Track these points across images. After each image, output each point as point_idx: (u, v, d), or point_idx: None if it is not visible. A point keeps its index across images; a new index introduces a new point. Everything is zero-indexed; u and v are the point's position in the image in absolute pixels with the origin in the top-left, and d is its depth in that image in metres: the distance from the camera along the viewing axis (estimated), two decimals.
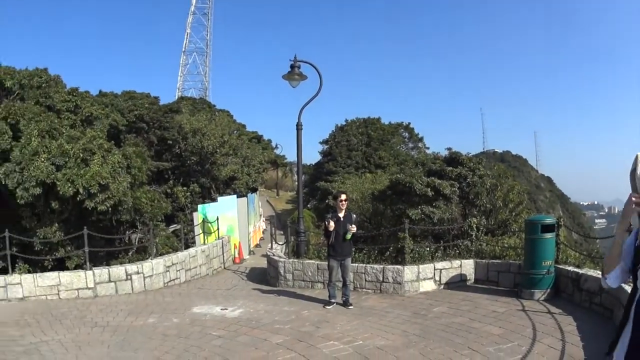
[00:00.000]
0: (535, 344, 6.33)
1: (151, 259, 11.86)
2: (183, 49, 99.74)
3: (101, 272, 10.51)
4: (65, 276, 10.17)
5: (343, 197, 9.17)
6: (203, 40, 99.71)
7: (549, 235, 8.65)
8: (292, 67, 11.85)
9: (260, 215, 29.14)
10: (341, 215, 8.97)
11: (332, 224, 8.72)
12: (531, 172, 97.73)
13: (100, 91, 33.80)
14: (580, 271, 8.30)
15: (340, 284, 9.22)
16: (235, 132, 37.85)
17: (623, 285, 6.70)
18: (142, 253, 18.13)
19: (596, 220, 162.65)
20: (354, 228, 8.82)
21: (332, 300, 9.07)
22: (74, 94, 20.64)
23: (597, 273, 8.09)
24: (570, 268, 8.68)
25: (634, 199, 2.28)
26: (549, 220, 8.93)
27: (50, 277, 10.05)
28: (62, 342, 6.86)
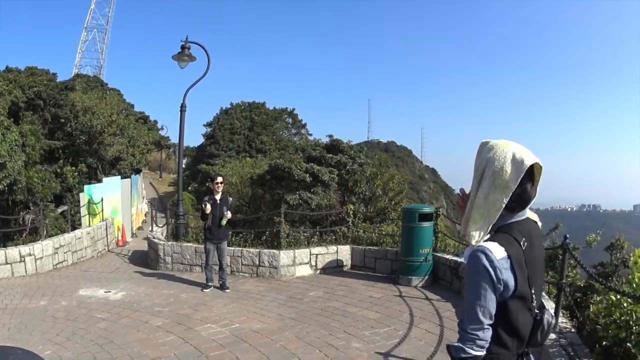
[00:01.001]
0: (412, 328, 6.32)
1: (41, 241, 11.42)
2: (85, 25, 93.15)
3: None
4: None
5: (219, 179, 9.08)
6: (105, 17, 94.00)
7: (426, 224, 8.75)
8: (182, 47, 11.73)
9: (143, 197, 28.28)
10: (218, 197, 8.80)
11: (208, 206, 8.56)
12: (415, 163, 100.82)
13: (7, 67, 32.84)
14: (459, 259, 8.46)
15: (217, 268, 9.02)
16: (123, 111, 37.09)
17: None
18: (33, 234, 17.41)
19: None
20: (229, 214, 8.71)
21: (210, 284, 8.89)
22: None
23: None
24: (449, 256, 8.84)
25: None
26: (427, 209, 9.06)
27: None
28: None
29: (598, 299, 4.30)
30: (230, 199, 9.21)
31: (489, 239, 2.04)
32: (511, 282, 1.99)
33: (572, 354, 3.93)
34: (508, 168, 2.02)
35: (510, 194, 2.03)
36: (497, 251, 1.99)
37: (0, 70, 24.99)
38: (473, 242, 2.08)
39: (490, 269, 1.96)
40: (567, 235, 4.82)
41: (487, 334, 1.99)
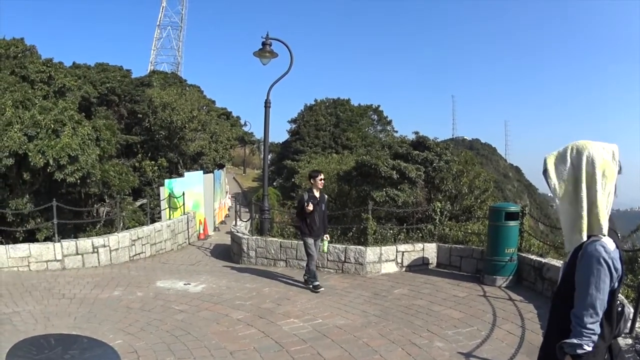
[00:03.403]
0: (494, 329, 6.30)
1: (117, 233, 11.66)
2: (158, 23, 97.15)
3: (69, 244, 10.30)
4: (35, 248, 9.95)
5: (322, 175, 8.98)
6: (178, 15, 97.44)
7: (512, 223, 8.63)
8: (263, 44, 11.77)
9: (227, 192, 28.91)
10: (317, 195, 8.77)
11: (310, 206, 8.51)
12: (500, 161, 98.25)
13: (73, 63, 33.52)
14: (543, 260, 8.30)
15: (303, 263, 9.12)
16: (204, 107, 37.53)
17: None
18: (109, 226, 18.18)
19: None
20: (328, 238, 8.96)
21: (316, 283, 8.59)
22: (49, 64, 20.61)
23: (559, 263, 8.12)
24: (533, 257, 8.66)
25: None
26: (514, 208, 8.91)
27: (21, 249, 9.82)
28: (32, 313, 6.80)
29: None
30: (325, 195, 9.23)
31: (595, 236, 2.10)
32: (620, 273, 2.10)
33: None
34: (608, 155, 2.11)
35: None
36: (610, 243, 2.07)
37: (66, 67, 25.75)
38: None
39: (609, 261, 2.05)
40: None
41: (599, 327, 2.07)
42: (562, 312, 2.19)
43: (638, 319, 4.66)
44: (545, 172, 2.25)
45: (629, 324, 4.32)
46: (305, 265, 9.05)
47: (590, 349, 2.03)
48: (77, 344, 5.62)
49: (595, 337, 2.04)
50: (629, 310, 2.32)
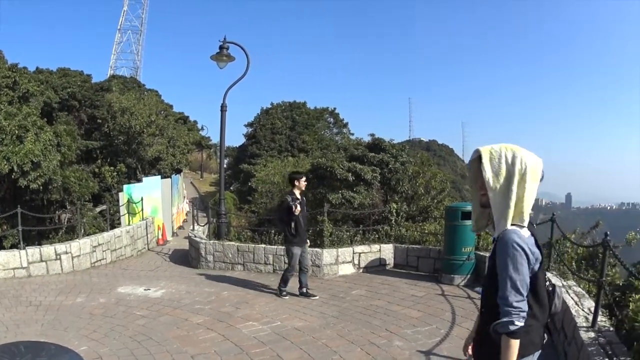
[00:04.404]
0: (454, 327, 6.33)
1: (79, 239, 11.59)
2: (119, 27, 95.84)
3: (34, 251, 10.30)
4: (2, 255, 9.93)
5: (304, 177, 8.53)
6: (139, 19, 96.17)
7: (469, 222, 8.68)
8: (220, 48, 11.86)
9: (184, 197, 28.72)
10: (298, 197, 8.29)
11: (298, 207, 8.11)
12: (457, 161, 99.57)
13: (37, 68, 33.17)
14: None
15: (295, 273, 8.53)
16: (162, 112, 37.37)
17: (549, 275, 6.83)
18: (70, 233, 18.00)
19: None
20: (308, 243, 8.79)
21: (287, 290, 8.35)
22: (14, 70, 20.52)
23: None
24: None
25: None
26: (470, 207, 8.96)
27: None
28: (2, 321, 6.89)
29: (637, 297, 4.25)
30: (304, 198, 8.74)
31: (513, 225, 2.32)
32: (538, 256, 2.33)
33: (610, 352, 3.89)
34: (536, 162, 2.35)
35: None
36: (525, 231, 2.31)
37: (30, 72, 25.57)
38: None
39: (524, 245, 2.26)
40: (608, 233, 4.78)
41: (526, 305, 2.23)
42: (492, 299, 2.34)
43: (600, 312, 4.73)
44: (475, 161, 2.46)
45: (590, 333, 4.39)
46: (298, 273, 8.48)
47: (521, 324, 2.19)
48: (45, 351, 5.81)
49: (523, 314, 2.20)
50: (559, 292, 2.52)
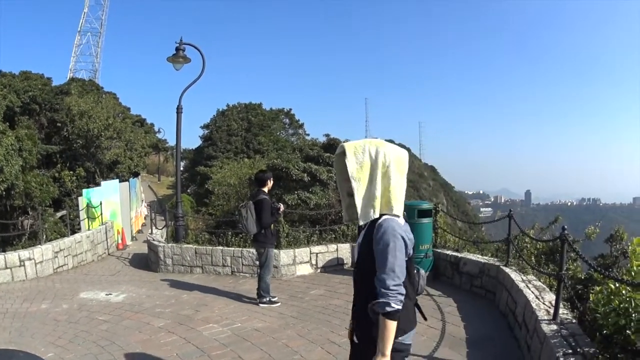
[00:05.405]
0: None
1: (41, 245, 11.41)
2: (79, 29, 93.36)
3: None
4: None
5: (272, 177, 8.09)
6: (98, 20, 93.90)
7: (426, 220, 8.75)
8: (177, 49, 11.79)
9: (142, 200, 28.39)
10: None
11: (282, 207, 7.91)
12: (414, 161, 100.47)
13: (0, 71, 32.98)
14: (459, 255, 8.50)
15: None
16: (120, 115, 37.14)
17: (505, 269, 6.92)
18: (33, 239, 17.72)
19: (482, 209, 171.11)
20: None
21: (273, 298, 7.83)
22: None
23: (476, 257, 8.33)
24: (449, 252, 8.86)
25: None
26: (426, 205, 9.06)
27: None
28: None
29: (598, 288, 4.31)
30: None
31: (387, 214, 2.52)
32: (411, 243, 2.54)
33: (573, 344, 3.94)
34: (400, 155, 2.62)
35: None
36: (401, 220, 2.54)
37: None
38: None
39: (403, 233, 2.47)
40: (565, 227, 4.84)
41: (403, 289, 2.39)
42: (367, 284, 2.51)
43: (561, 305, 4.79)
44: (341, 155, 2.68)
45: (552, 325, 4.45)
46: (258, 277, 7.97)
47: (398, 306, 2.34)
48: (14, 358, 5.55)
49: (401, 297, 2.36)
50: (422, 273, 2.85)
